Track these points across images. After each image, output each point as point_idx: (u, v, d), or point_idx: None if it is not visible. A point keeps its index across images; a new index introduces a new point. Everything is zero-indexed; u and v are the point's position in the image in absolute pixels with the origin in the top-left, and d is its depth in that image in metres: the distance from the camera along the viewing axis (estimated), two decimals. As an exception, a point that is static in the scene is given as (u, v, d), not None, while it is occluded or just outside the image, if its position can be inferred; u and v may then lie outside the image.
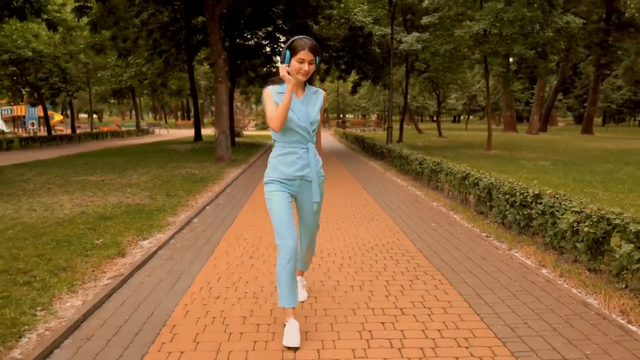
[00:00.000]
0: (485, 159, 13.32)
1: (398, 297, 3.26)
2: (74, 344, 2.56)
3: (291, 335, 2.55)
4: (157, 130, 36.15)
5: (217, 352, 2.49)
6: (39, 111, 33.91)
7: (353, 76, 22.29)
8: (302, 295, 3.15)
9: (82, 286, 3.37)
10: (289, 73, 2.54)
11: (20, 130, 36.60)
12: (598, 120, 65.76)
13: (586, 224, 3.73)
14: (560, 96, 53.61)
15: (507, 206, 5.14)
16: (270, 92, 2.61)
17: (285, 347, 2.52)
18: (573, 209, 3.96)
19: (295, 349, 2.50)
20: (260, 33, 19.23)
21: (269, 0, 15.94)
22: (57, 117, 42.63)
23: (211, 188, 8.12)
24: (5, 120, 36.99)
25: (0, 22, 10.34)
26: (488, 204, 5.75)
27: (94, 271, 3.67)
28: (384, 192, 7.88)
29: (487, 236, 4.96)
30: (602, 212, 3.65)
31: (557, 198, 4.34)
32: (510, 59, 19.16)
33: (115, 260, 3.97)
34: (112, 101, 35.52)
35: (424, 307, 3.07)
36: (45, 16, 10.42)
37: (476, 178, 6.12)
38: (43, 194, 7.30)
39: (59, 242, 4.42)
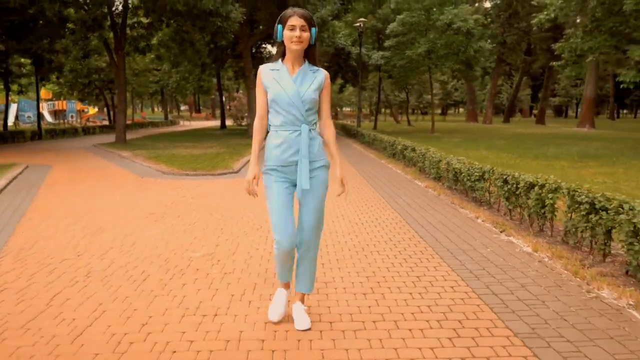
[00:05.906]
0: (423, 138, 20.45)
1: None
2: (244, 169, 9.84)
3: (272, 308, 2.70)
4: (181, 122, 43.34)
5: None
6: (77, 105, 42.22)
7: (339, 80, 29.66)
8: (304, 322, 2.62)
9: (235, 163, 10.61)
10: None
11: (62, 121, 43.89)
12: (572, 113, 73.47)
13: (416, 154, 11.00)
14: (529, 91, 61.10)
15: (399, 152, 12.36)
16: (260, 75, 2.54)
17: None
18: (412, 148, 11.21)
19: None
20: (269, 46, 26.46)
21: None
22: (91, 110, 49.96)
23: (255, 148, 15.36)
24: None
25: (127, 55, 17.52)
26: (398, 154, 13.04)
27: (236, 161, 10.91)
28: (346, 151, 15.14)
29: (387, 164, 12.18)
30: (423, 150, 10.88)
31: (408, 145, 11.58)
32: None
33: (239, 159, 11.17)
34: (146, 98, 42.80)
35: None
36: (155, 53, 17.48)
37: (387, 141, 13.39)
38: (172, 149, 14.45)
39: (210, 158, 11.62)
